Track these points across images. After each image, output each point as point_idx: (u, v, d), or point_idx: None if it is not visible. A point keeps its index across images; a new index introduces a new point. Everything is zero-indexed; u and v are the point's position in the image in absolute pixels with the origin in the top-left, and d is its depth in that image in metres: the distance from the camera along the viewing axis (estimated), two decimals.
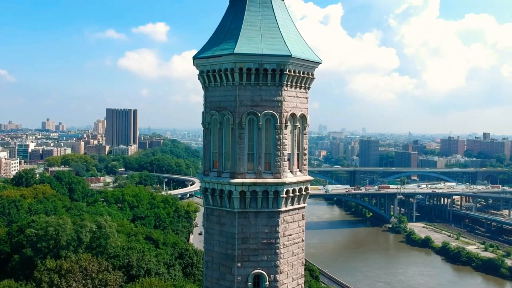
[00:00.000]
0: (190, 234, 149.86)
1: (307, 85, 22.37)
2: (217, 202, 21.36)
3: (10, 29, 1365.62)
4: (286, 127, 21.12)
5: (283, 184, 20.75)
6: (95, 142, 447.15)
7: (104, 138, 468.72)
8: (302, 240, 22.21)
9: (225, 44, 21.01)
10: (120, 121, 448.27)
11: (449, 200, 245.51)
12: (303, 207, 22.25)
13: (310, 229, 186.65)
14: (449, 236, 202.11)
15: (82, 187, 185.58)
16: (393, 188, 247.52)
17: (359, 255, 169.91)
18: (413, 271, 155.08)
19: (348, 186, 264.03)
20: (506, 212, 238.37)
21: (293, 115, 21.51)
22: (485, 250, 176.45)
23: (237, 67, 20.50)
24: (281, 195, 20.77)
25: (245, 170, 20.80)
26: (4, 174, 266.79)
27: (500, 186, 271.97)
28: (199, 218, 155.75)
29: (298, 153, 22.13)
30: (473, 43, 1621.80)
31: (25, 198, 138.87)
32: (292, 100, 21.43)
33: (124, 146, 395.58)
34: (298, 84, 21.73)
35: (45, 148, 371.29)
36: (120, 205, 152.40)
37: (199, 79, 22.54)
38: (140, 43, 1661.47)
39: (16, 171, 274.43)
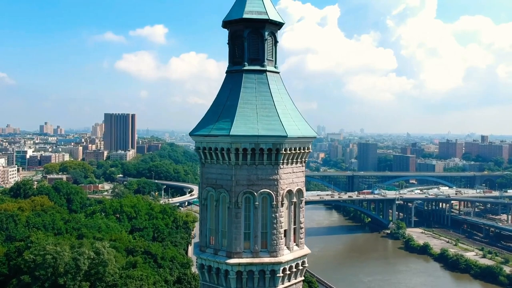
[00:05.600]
0: (189, 245, 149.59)
1: (303, 159, 22.37)
2: (213, 279, 21.32)
3: (9, 32, 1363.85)
4: (282, 204, 21.12)
5: (280, 263, 20.74)
6: (94, 147, 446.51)
7: (103, 142, 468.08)
8: None
9: (222, 123, 20.98)
10: (118, 125, 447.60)
11: (448, 205, 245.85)
12: (300, 281, 22.24)
13: (311, 235, 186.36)
14: (448, 242, 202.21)
15: (80, 198, 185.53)
16: (377, 195, 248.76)
17: (360, 263, 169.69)
18: (416, 281, 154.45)
19: (329, 192, 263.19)
20: (504, 216, 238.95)
21: (289, 191, 21.50)
22: (484, 256, 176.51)
23: (233, 148, 20.49)
24: (277, 274, 20.75)
25: (241, 249, 20.77)
26: (2, 182, 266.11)
27: (492, 190, 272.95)
28: (197, 229, 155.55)
29: (294, 228, 22.12)
30: (469, 43, 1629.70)
31: (23, 211, 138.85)
32: (288, 176, 21.43)
33: (123, 151, 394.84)
34: (294, 160, 21.73)
35: (43, 154, 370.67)
36: (118, 216, 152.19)
37: (196, 152, 22.58)
38: (139, 45, 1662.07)
39: (14, 178, 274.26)
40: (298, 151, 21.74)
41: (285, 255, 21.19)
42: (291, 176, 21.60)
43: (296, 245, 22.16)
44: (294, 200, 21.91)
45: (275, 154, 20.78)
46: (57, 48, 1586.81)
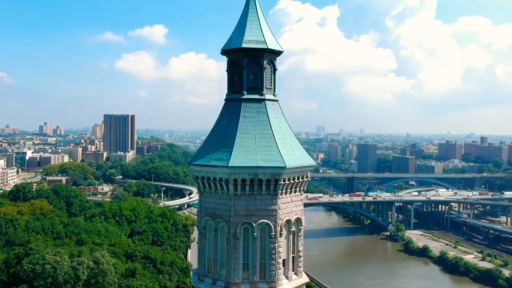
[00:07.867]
0: (188, 249, 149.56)
1: (302, 188, 22.31)
2: None
3: (9, 32, 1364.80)
4: (281, 234, 21.05)
5: None
6: (93, 148, 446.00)
7: (102, 143, 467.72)
8: None
9: (220, 154, 20.91)
10: (118, 126, 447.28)
11: (447, 207, 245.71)
12: None
13: (310, 237, 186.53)
14: (447, 244, 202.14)
15: (80, 200, 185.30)
16: (370, 197, 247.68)
17: (360, 266, 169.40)
18: (416, 285, 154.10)
19: (321, 194, 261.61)
20: (503, 219, 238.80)
21: (288, 221, 21.44)
22: (483, 259, 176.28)
23: (232, 178, 20.44)
24: None
25: (240, 280, 20.70)
26: (2, 184, 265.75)
27: (490, 192, 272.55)
28: (196, 232, 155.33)
29: (293, 257, 22.05)
30: (468, 44, 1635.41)
31: (22, 215, 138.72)
32: (287, 206, 21.37)
33: (122, 153, 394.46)
34: (293, 189, 21.67)
35: (42, 155, 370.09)
36: (117, 219, 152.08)
37: (195, 181, 22.54)
38: (138, 45, 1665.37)
39: (14, 180, 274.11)
40: (297, 181, 21.68)
41: (284, 285, 21.12)
42: (289, 206, 21.55)
43: (295, 274, 22.08)
44: (293, 229, 21.84)
45: (274, 184, 20.74)
46: (56, 48, 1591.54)
